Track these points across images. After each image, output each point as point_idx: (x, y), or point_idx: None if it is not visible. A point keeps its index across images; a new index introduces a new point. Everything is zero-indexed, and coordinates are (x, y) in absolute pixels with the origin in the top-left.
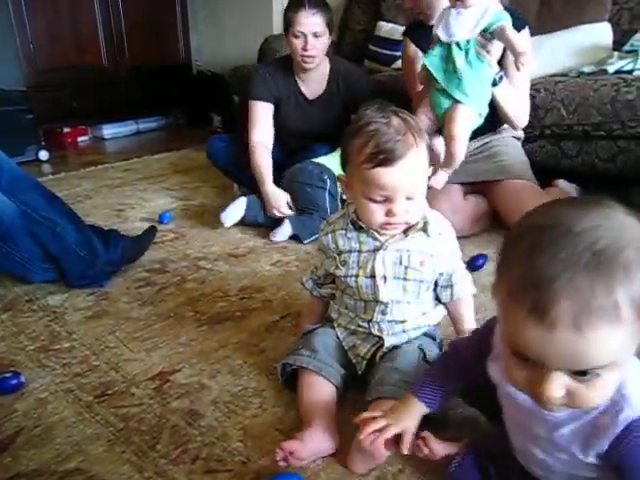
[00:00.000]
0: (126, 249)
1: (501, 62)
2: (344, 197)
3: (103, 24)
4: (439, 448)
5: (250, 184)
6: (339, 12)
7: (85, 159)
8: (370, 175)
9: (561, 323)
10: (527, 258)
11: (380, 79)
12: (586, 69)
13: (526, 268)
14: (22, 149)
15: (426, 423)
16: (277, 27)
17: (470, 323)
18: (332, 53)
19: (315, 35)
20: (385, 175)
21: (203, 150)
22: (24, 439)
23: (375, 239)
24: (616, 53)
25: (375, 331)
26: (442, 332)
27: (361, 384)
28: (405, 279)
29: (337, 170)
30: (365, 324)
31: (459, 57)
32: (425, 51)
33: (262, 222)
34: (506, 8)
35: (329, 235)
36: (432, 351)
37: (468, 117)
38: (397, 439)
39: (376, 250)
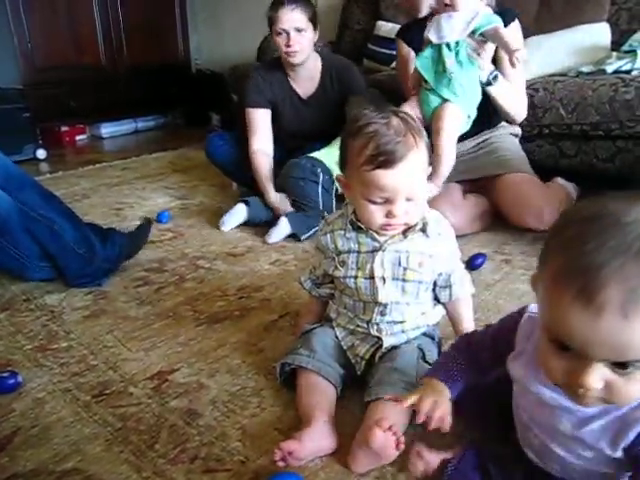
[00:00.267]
0: (123, 245)
1: (495, 62)
2: (339, 191)
3: (102, 22)
4: (434, 458)
5: (249, 183)
6: (338, 11)
7: (83, 158)
8: (370, 177)
9: (608, 309)
10: (575, 246)
11: (379, 78)
12: (585, 69)
13: (574, 254)
14: (19, 148)
15: (422, 430)
16: None
17: (469, 323)
18: (329, 52)
19: (297, 30)
20: (385, 177)
21: (202, 149)
22: (21, 439)
23: (374, 240)
24: (614, 53)
25: (374, 331)
26: (441, 332)
27: (360, 384)
28: (404, 280)
29: (331, 164)
30: (364, 324)
31: (449, 58)
32: (418, 50)
33: (267, 220)
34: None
35: (328, 235)
36: (431, 351)
37: (456, 115)
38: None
39: (375, 251)
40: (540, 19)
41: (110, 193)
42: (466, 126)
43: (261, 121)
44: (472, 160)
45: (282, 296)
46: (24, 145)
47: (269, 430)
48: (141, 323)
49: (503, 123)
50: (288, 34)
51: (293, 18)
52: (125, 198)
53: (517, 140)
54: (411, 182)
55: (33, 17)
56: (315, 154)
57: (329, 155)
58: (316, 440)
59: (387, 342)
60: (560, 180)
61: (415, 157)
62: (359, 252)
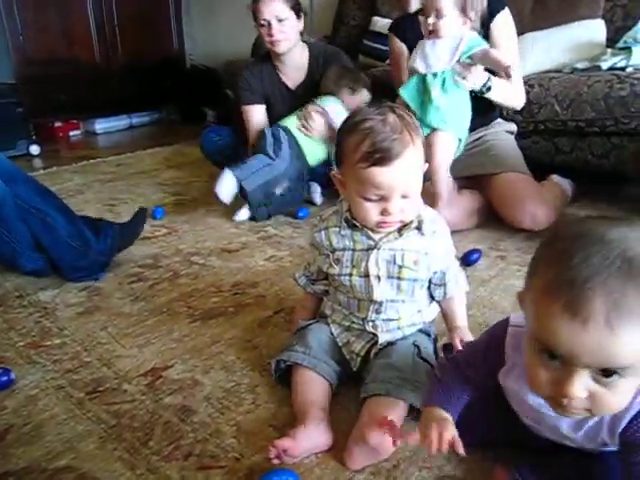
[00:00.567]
0: (116, 237)
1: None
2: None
3: (95, 17)
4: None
5: None
6: (334, 7)
7: (77, 154)
8: (365, 174)
9: (594, 321)
10: (562, 260)
11: (375, 74)
12: (580, 65)
13: (561, 268)
14: (13, 143)
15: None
16: None
17: (462, 320)
18: (318, 42)
19: (279, 20)
20: (381, 175)
21: (196, 145)
22: (14, 437)
23: (369, 238)
24: (609, 50)
25: (369, 328)
26: (437, 328)
27: (356, 380)
28: (399, 278)
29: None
30: (359, 321)
31: (435, 87)
32: (411, 43)
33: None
34: None
35: (322, 232)
36: (427, 347)
37: (447, 143)
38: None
39: (370, 249)
40: (535, 15)
41: (104, 189)
42: (458, 151)
43: (256, 116)
44: (468, 157)
45: (277, 292)
46: (17, 141)
47: (264, 427)
48: (135, 319)
49: (499, 120)
50: (270, 24)
51: (274, 8)
52: (119, 194)
53: (512, 137)
54: (407, 179)
55: (26, 11)
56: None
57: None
58: (311, 437)
59: (382, 338)
60: (556, 177)
61: (411, 154)
62: (354, 250)
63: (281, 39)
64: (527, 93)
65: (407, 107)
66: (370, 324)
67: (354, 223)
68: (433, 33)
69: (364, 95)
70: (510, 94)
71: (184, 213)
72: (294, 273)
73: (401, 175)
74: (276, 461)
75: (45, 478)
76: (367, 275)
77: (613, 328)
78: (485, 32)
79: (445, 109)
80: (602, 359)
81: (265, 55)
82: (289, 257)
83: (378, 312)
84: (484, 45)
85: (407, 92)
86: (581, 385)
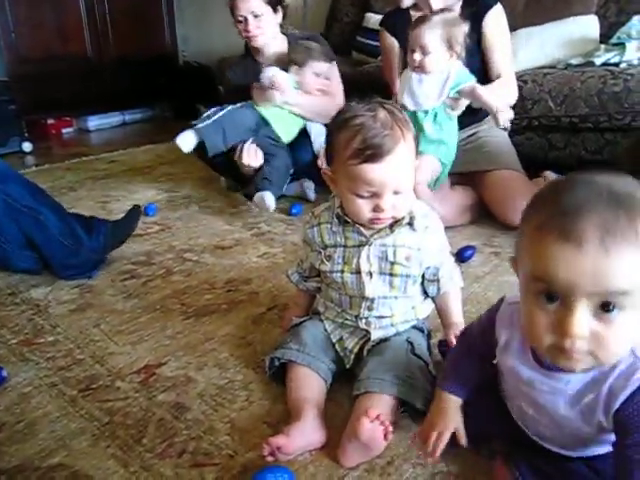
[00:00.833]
0: (109, 235)
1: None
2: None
3: (87, 13)
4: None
5: (237, 177)
6: (327, 3)
7: (70, 151)
8: (357, 171)
9: (589, 243)
10: (551, 201)
11: (368, 70)
12: (574, 61)
13: (552, 206)
14: (5, 140)
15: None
16: None
17: (458, 316)
18: (297, 32)
19: (255, 16)
20: (372, 171)
21: None
22: (6, 435)
23: (360, 234)
24: (603, 46)
25: (362, 325)
26: (431, 324)
27: (349, 377)
28: (391, 275)
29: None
30: (352, 318)
31: (427, 122)
32: (402, 38)
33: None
34: None
35: (314, 229)
36: (421, 344)
37: (432, 167)
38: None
39: (361, 245)
40: (529, 11)
41: (97, 186)
42: (444, 172)
43: None
44: (461, 154)
45: (270, 289)
46: (10, 138)
47: (258, 424)
48: (128, 316)
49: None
50: (247, 20)
51: (250, 5)
52: (112, 191)
53: (506, 133)
54: (399, 175)
55: (17, 7)
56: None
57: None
58: (305, 435)
59: (375, 335)
60: (549, 174)
61: (402, 150)
62: (345, 246)
63: (257, 34)
64: (520, 89)
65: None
66: (363, 321)
67: (345, 219)
68: (419, 68)
69: (315, 67)
70: (502, 97)
71: (177, 210)
72: (287, 270)
73: (393, 171)
74: (270, 458)
75: (38, 476)
76: (359, 272)
77: (608, 250)
78: (478, 28)
79: (437, 140)
80: (600, 284)
81: (245, 51)
82: (282, 254)
83: (370, 309)
84: (471, 80)
85: None
86: (583, 321)
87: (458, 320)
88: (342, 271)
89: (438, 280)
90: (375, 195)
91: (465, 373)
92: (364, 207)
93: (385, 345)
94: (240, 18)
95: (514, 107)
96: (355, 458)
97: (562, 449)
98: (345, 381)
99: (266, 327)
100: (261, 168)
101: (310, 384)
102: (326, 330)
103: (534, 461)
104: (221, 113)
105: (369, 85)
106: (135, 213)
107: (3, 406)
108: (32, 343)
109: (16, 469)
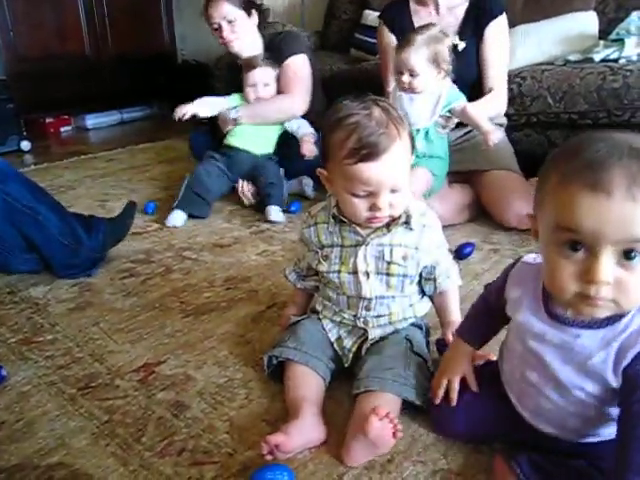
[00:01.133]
0: (108, 233)
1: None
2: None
3: (86, 11)
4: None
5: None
6: (325, 1)
7: (68, 149)
8: (353, 171)
9: (616, 192)
10: (574, 154)
11: (366, 67)
12: (572, 57)
13: (574, 159)
14: (3, 139)
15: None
16: None
17: (455, 315)
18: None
19: (229, 22)
20: (368, 170)
21: (188, 140)
22: (5, 433)
23: (357, 234)
24: (602, 42)
25: (360, 324)
26: (429, 321)
27: (348, 375)
28: (388, 274)
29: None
30: (350, 317)
31: (419, 141)
32: (400, 32)
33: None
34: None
35: (311, 228)
36: (419, 342)
37: (424, 178)
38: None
39: (358, 245)
40: (527, 8)
41: (95, 185)
42: (436, 187)
43: None
44: (459, 152)
45: (269, 287)
46: (8, 137)
47: (257, 422)
48: (127, 315)
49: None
50: (221, 27)
51: (222, 11)
52: (110, 189)
53: (503, 130)
54: (395, 174)
55: (16, 6)
56: None
57: None
58: (304, 432)
59: (373, 334)
60: None
61: (398, 148)
62: (342, 246)
63: (233, 39)
64: (519, 86)
65: None
66: (361, 320)
67: (342, 219)
68: (409, 90)
69: (255, 76)
70: (492, 110)
71: None
72: (284, 269)
73: (389, 170)
74: (269, 457)
75: (37, 475)
76: (356, 272)
77: (635, 198)
78: (479, 33)
79: (429, 155)
80: (626, 232)
81: (232, 58)
82: (281, 251)
83: (368, 309)
84: (462, 99)
85: None
86: (608, 268)
87: (456, 318)
88: (339, 271)
89: (434, 279)
90: (372, 194)
91: (481, 326)
92: (361, 206)
93: (384, 343)
94: (215, 25)
95: (512, 104)
96: (360, 457)
97: (562, 431)
98: (344, 379)
99: (265, 325)
100: (259, 192)
101: (308, 382)
102: (324, 329)
103: (535, 458)
104: (185, 182)
105: (367, 82)
106: (131, 209)
107: (2, 405)
108: (31, 342)
109: (15, 468)
